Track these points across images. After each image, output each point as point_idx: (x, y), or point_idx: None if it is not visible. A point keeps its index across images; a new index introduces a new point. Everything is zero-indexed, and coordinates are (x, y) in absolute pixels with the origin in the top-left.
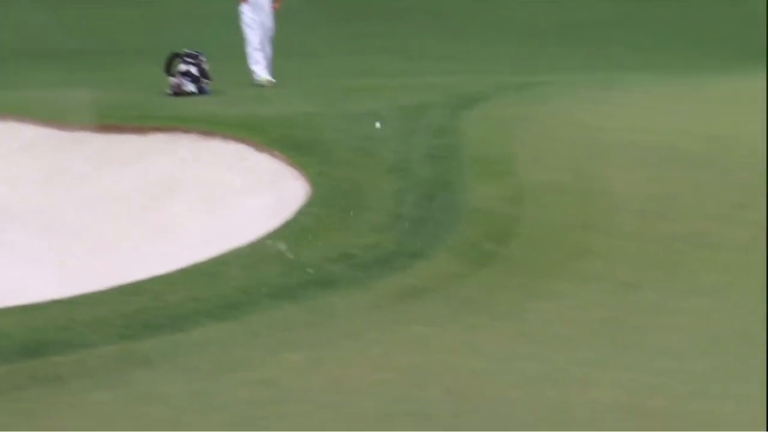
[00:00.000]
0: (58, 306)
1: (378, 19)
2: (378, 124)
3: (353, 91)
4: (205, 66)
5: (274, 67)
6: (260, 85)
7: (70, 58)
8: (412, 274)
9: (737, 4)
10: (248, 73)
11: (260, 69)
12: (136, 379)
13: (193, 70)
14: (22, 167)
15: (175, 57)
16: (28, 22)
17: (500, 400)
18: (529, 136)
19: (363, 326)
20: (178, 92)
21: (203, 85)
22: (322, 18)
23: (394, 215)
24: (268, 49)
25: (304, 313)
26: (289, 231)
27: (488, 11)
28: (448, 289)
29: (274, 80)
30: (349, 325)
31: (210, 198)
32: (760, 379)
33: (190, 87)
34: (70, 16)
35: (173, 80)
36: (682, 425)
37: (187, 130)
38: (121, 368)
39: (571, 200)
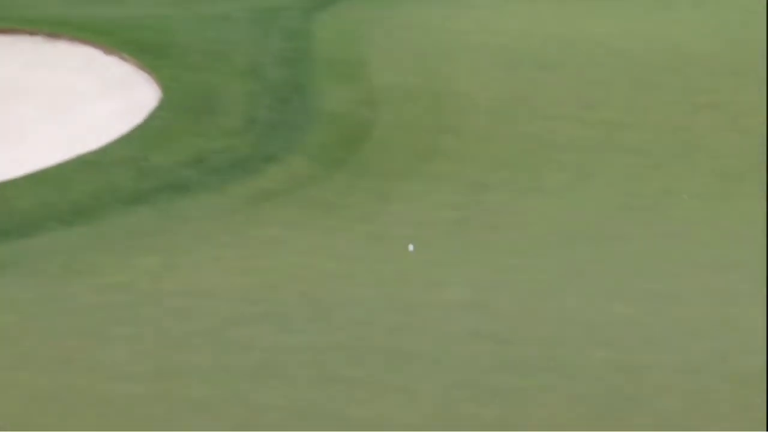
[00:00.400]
0: None
1: None
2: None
3: None
4: None
5: None
6: None
7: None
8: (266, 177)
9: None
10: None
11: None
12: None
13: None
14: None
15: None
16: None
17: (354, 301)
18: (382, 39)
19: (217, 230)
20: None
21: None
22: None
23: (247, 119)
24: None
25: (156, 218)
26: (140, 135)
27: None
28: (302, 192)
29: None
30: (202, 229)
31: (57, 103)
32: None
33: None
34: None
35: None
36: (530, 324)
37: (31, 33)
38: None
39: (423, 102)
